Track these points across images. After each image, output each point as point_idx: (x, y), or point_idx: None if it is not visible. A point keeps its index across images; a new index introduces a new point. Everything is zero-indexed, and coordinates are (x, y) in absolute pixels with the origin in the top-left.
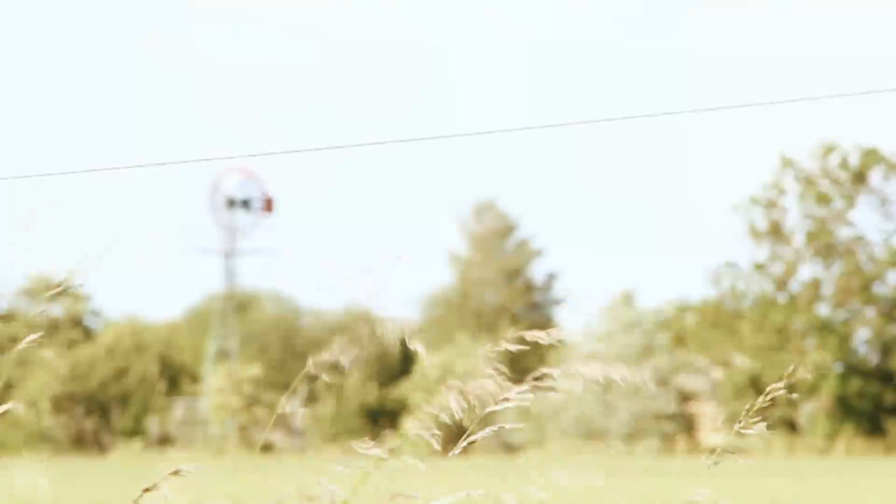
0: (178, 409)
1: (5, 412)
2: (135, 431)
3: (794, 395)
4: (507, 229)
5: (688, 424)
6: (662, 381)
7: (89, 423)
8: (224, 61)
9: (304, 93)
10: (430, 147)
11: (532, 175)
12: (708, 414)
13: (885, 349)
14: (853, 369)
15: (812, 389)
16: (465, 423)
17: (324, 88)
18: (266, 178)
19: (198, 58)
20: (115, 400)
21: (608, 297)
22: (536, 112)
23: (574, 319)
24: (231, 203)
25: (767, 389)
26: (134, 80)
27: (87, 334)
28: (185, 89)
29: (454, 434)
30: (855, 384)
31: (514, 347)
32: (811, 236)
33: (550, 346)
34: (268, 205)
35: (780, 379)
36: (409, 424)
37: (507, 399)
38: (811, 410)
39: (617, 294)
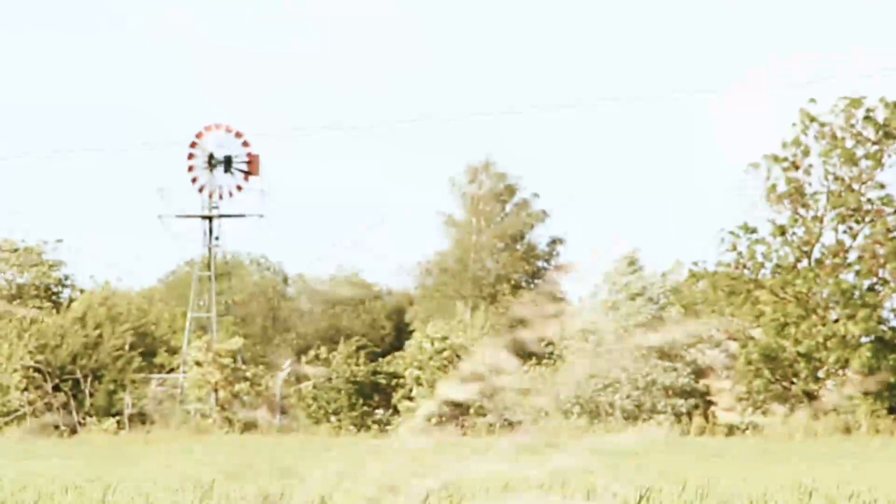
0: (154, 385)
1: None
2: (107, 408)
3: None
4: (507, 191)
5: (702, 401)
6: (674, 355)
7: (58, 400)
8: (217, 36)
9: (295, 69)
10: (427, 118)
11: (537, 136)
12: (723, 390)
13: None
14: (882, 342)
15: (838, 364)
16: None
17: (318, 65)
18: (250, 139)
19: (191, 33)
20: (87, 374)
21: (611, 262)
22: (537, 80)
23: (578, 287)
24: (212, 162)
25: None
26: (121, 51)
27: (56, 304)
28: (178, 65)
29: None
30: (884, 358)
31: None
32: (835, 198)
33: (553, 317)
34: (252, 165)
35: (801, 353)
36: (407, 403)
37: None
38: (836, 386)
39: (619, 257)
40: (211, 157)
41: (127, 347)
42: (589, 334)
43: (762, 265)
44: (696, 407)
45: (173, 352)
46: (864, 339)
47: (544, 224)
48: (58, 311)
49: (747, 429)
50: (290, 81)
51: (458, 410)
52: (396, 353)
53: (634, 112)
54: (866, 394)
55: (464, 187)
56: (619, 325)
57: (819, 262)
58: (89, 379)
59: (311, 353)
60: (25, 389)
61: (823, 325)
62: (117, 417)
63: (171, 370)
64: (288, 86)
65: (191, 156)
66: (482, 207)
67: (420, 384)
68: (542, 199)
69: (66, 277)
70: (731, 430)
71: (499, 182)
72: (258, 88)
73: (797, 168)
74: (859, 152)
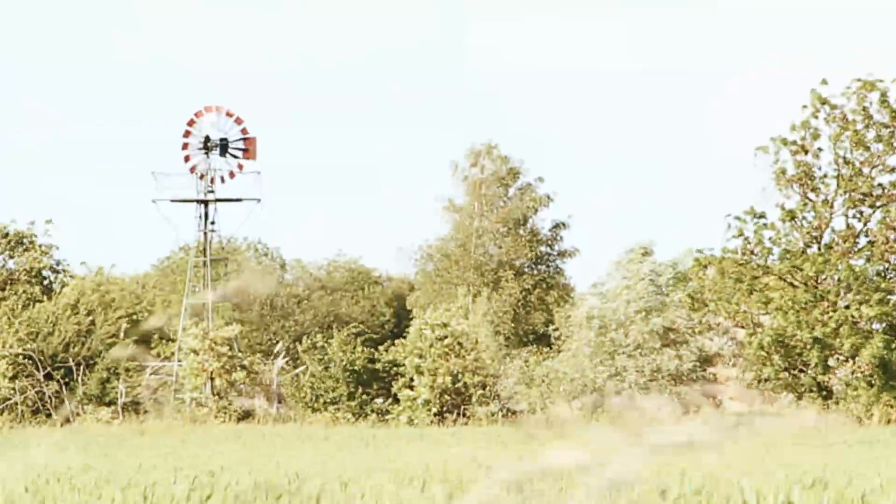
0: (149, 374)
1: None
2: (101, 397)
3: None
4: (510, 174)
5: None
6: (679, 342)
7: (50, 388)
8: (215, 14)
9: (296, 39)
10: (429, 93)
11: (538, 118)
12: (731, 378)
13: None
14: (895, 330)
15: (850, 352)
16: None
17: (316, 35)
18: (248, 120)
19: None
20: (79, 363)
21: (625, 251)
22: (543, 51)
23: (584, 274)
24: (208, 146)
25: None
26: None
27: (48, 290)
28: (174, 42)
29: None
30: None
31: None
32: (846, 182)
33: (557, 303)
34: (249, 148)
35: (811, 339)
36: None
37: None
38: (847, 375)
39: (635, 247)
40: (207, 139)
41: (121, 335)
42: (593, 320)
43: (770, 251)
44: (702, 395)
45: (168, 339)
46: (875, 327)
47: (548, 208)
48: (49, 298)
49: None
50: (288, 61)
51: (461, 399)
52: (396, 341)
53: (648, 71)
54: (876, 384)
55: (465, 171)
56: (623, 313)
57: (828, 247)
58: (82, 367)
59: (308, 340)
60: (15, 377)
61: (834, 311)
62: (111, 407)
63: (166, 358)
64: (285, 66)
65: (187, 134)
66: (484, 191)
67: (421, 373)
68: (546, 184)
69: (59, 263)
70: (738, 420)
71: (502, 165)
72: (255, 69)
73: (806, 151)
74: (870, 135)
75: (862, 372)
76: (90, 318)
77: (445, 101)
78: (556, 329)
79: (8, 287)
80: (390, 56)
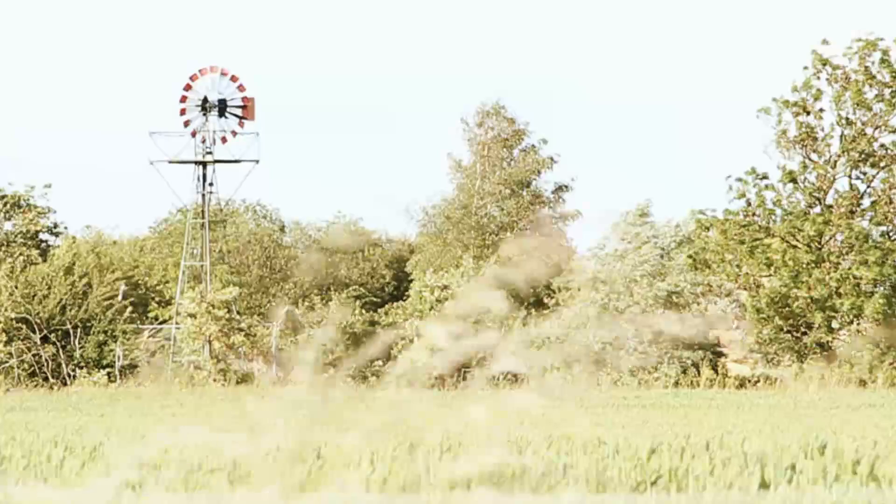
0: (146, 337)
1: None
2: (98, 361)
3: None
4: (514, 136)
5: (712, 353)
6: (682, 305)
7: (47, 352)
8: None
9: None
10: (433, 47)
11: (542, 78)
12: (733, 341)
13: None
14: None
15: (852, 313)
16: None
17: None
18: (246, 80)
19: None
20: (76, 326)
21: (621, 212)
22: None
23: (584, 236)
24: (206, 106)
25: None
26: None
27: (45, 252)
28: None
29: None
30: None
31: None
32: (848, 143)
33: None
34: (247, 109)
35: (813, 301)
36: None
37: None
38: (850, 337)
39: (631, 208)
40: (205, 100)
41: (119, 297)
42: (599, 284)
43: (772, 212)
44: (705, 359)
45: (166, 303)
46: (878, 288)
47: (552, 171)
48: (45, 260)
49: (759, 381)
50: (285, 19)
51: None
52: (396, 304)
53: (649, 31)
54: (881, 345)
55: (471, 131)
56: (625, 276)
57: (829, 208)
58: (79, 330)
59: (307, 302)
60: (10, 341)
61: (836, 271)
62: (108, 370)
63: (164, 321)
64: (283, 24)
65: (184, 99)
66: (488, 153)
67: (421, 336)
68: (551, 142)
69: (56, 225)
70: (742, 382)
71: (507, 127)
72: (253, 28)
73: (807, 112)
74: (872, 95)
75: (865, 333)
76: (86, 280)
77: (448, 59)
78: (552, 294)
79: (4, 249)
80: (390, 13)
